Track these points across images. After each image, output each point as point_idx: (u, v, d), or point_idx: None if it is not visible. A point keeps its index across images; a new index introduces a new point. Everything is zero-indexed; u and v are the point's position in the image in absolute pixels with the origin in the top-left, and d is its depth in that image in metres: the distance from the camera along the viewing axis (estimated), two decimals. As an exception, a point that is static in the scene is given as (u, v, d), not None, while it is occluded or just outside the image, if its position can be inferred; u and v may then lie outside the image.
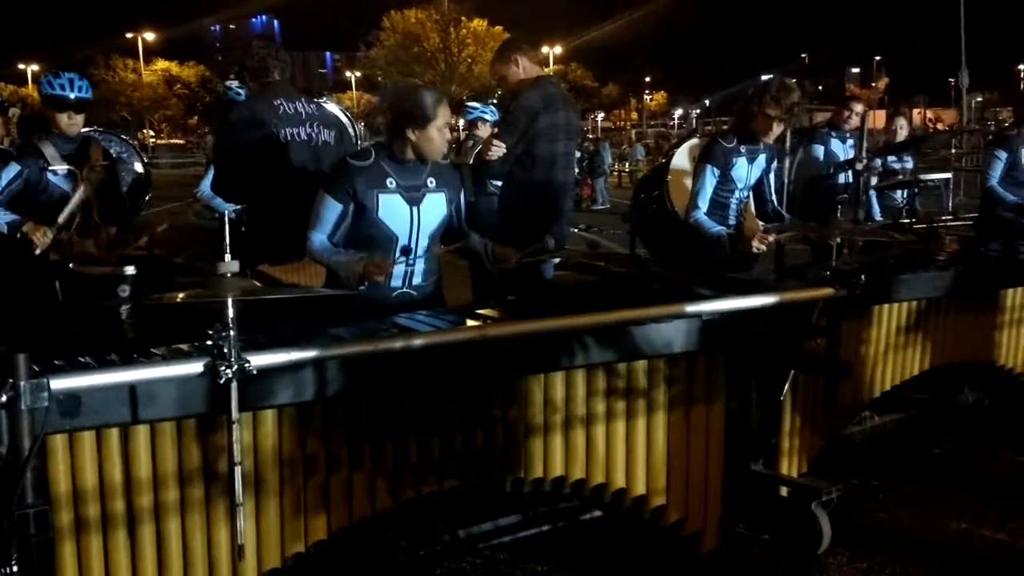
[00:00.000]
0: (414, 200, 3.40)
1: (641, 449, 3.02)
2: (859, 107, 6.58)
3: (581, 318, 2.81)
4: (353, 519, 2.61)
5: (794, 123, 4.82)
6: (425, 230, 3.44)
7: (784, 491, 3.40)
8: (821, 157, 6.40)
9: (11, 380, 1.94)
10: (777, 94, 4.38)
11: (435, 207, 3.46)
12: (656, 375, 3.00)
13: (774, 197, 4.82)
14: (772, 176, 4.79)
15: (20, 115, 5.81)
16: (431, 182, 3.44)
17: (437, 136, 3.35)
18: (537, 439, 2.85)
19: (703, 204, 4.56)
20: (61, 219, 4.24)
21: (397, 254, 3.35)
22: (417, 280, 3.48)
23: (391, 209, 3.35)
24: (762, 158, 4.65)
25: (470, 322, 2.92)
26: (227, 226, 2.13)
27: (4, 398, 1.92)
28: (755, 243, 4.31)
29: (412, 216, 3.40)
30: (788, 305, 3.16)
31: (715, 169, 4.54)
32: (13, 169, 4.29)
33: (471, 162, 6.57)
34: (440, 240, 3.56)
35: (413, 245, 3.43)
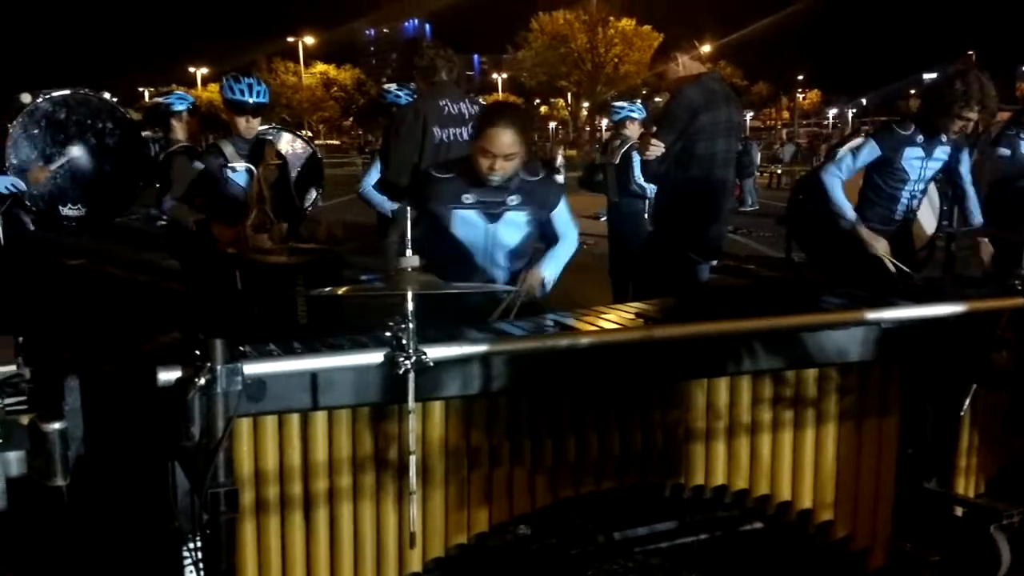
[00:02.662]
0: (492, 217, 3.35)
1: (809, 461, 2.91)
2: None
3: (751, 322, 2.73)
4: (514, 514, 2.62)
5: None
6: (500, 247, 3.39)
7: (959, 511, 3.22)
8: (1009, 158, 6.01)
9: (208, 364, 2.05)
10: (978, 96, 4.08)
11: (514, 225, 3.40)
12: (827, 384, 2.88)
13: (974, 206, 4.53)
14: (969, 176, 4.49)
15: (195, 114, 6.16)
16: (513, 199, 3.36)
17: (479, 157, 3.24)
18: (699, 445, 2.79)
19: (843, 172, 4.30)
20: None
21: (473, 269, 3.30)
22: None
23: (465, 224, 3.31)
24: (940, 151, 4.35)
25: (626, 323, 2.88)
26: (408, 222, 2.18)
27: (202, 381, 2.02)
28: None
29: (487, 233, 3.35)
30: (972, 314, 2.97)
31: (877, 147, 4.30)
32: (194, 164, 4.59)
33: (616, 161, 6.55)
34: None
35: (487, 261, 3.38)
